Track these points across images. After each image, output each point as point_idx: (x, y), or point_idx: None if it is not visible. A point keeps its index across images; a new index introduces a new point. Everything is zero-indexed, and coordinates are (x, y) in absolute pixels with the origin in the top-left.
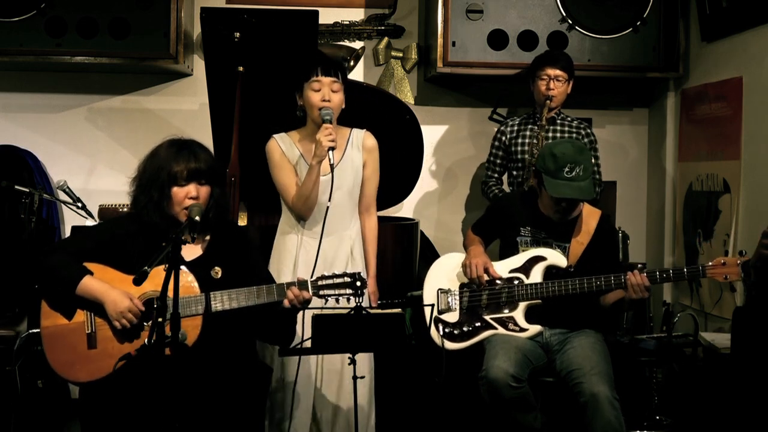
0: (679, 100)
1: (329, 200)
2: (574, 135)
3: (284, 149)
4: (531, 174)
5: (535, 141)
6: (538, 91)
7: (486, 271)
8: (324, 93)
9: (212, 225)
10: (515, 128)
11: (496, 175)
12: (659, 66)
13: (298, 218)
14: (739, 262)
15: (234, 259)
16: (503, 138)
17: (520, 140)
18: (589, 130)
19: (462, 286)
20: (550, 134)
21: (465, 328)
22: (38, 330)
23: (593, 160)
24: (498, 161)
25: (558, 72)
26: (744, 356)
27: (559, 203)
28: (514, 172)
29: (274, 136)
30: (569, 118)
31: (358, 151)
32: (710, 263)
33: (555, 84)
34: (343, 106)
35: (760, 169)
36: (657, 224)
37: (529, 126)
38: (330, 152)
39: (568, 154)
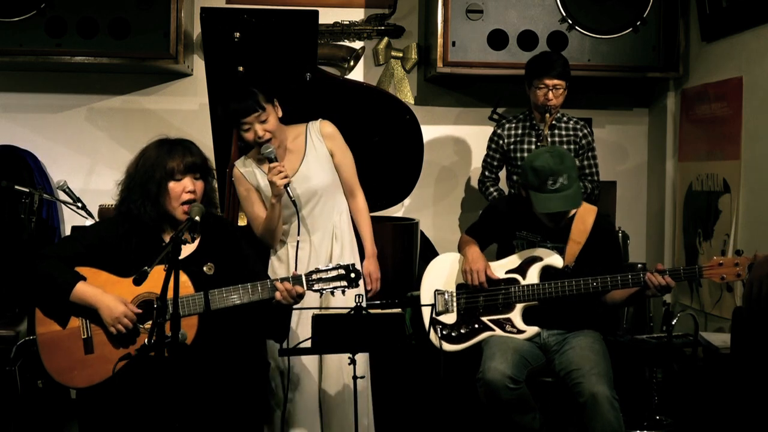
0: (679, 100)
1: (298, 235)
2: (572, 136)
3: (245, 174)
4: (519, 187)
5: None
6: (536, 99)
7: (486, 275)
8: (255, 130)
9: (205, 221)
10: (513, 132)
11: (493, 175)
12: (659, 66)
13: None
14: (736, 262)
15: (226, 254)
16: (501, 142)
17: (520, 146)
18: (586, 131)
19: (459, 287)
20: (549, 139)
21: (462, 330)
22: (35, 337)
23: (590, 161)
24: (495, 162)
25: (555, 81)
26: (744, 356)
27: (548, 215)
28: (515, 177)
29: (235, 163)
30: (565, 118)
31: (320, 143)
32: (707, 264)
33: (553, 93)
34: (280, 115)
35: (760, 169)
36: (657, 224)
37: (528, 131)
38: (286, 188)
39: (548, 166)
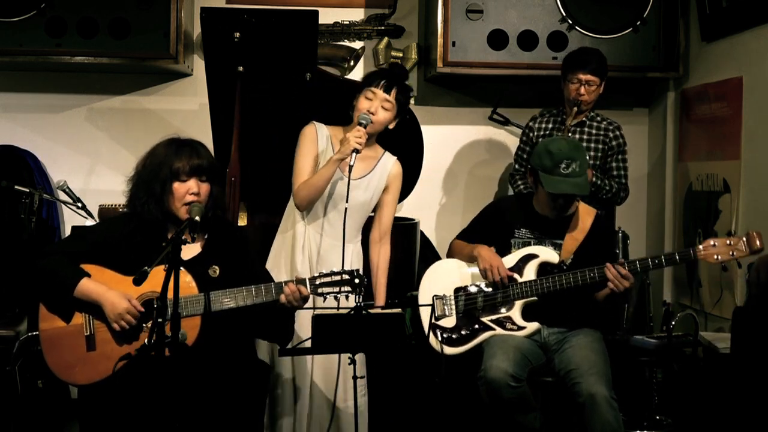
0: (679, 100)
1: (347, 201)
2: (602, 136)
3: (318, 135)
4: (528, 172)
5: None
6: (568, 94)
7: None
8: (373, 105)
9: (211, 224)
10: (543, 126)
11: (522, 169)
12: (659, 66)
13: (302, 215)
14: (729, 241)
15: (231, 257)
16: (531, 134)
17: None
18: (618, 132)
19: (457, 290)
20: (577, 136)
21: (463, 332)
22: (37, 332)
23: (619, 163)
24: (525, 156)
25: (589, 77)
26: (744, 356)
27: (556, 199)
28: None
29: (313, 121)
30: (599, 118)
31: (384, 173)
32: (700, 246)
33: (586, 89)
34: (391, 127)
35: (760, 169)
36: (657, 224)
37: (558, 126)
38: (353, 154)
39: (564, 151)
